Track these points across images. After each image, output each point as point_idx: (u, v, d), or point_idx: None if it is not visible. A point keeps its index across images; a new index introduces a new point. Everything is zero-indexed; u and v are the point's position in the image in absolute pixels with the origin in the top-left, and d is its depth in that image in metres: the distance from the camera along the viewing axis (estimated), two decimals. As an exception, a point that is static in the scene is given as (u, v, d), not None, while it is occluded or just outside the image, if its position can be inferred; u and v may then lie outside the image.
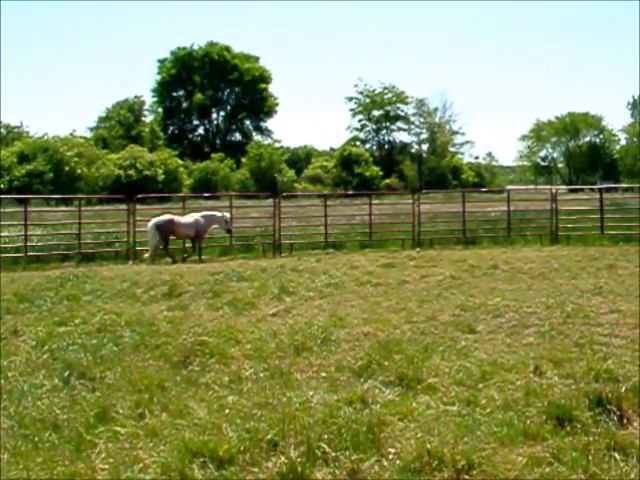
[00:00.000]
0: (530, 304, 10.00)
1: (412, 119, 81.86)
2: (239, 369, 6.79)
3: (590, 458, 4.50)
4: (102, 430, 5.15)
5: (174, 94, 79.85)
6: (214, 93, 79.98)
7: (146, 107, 75.37)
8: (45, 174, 49.36)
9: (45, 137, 57.76)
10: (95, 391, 6.15)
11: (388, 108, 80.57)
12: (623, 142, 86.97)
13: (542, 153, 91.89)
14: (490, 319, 9.06)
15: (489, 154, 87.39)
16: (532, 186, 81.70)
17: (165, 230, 17.82)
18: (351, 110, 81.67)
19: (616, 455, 4.54)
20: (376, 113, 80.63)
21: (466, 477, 4.33)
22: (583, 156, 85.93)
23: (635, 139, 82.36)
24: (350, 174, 67.44)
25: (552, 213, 22.16)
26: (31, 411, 5.60)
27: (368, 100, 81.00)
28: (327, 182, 67.05)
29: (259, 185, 59.79)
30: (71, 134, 60.25)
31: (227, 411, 5.51)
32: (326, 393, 5.94)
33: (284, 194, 26.73)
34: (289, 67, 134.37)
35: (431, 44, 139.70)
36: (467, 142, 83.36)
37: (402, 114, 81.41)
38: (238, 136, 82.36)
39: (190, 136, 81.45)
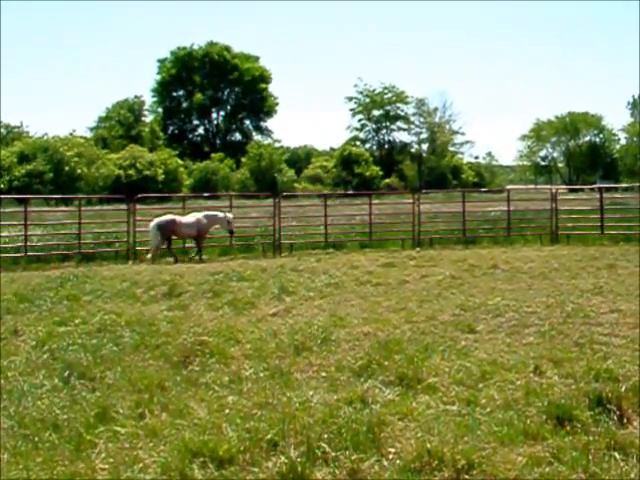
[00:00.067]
0: (530, 304, 10.00)
1: (412, 119, 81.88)
2: (239, 369, 6.79)
3: (590, 458, 4.50)
4: (102, 430, 5.16)
5: (174, 94, 79.80)
6: (214, 93, 79.92)
7: (146, 107, 75.50)
8: (45, 174, 49.33)
9: (45, 137, 57.74)
10: (95, 391, 6.15)
11: (388, 108, 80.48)
12: (623, 142, 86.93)
13: (542, 153, 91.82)
14: (490, 319, 9.06)
15: (489, 154, 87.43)
16: (532, 186, 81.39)
17: (167, 230, 17.84)
18: (351, 110, 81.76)
19: (616, 455, 4.55)
20: (376, 113, 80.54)
21: (466, 477, 4.33)
22: (583, 156, 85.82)
23: (635, 139, 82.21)
24: (350, 174, 67.39)
25: (552, 213, 22.18)
26: (31, 411, 5.60)
27: (368, 100, 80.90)
28: (327, 182, 66.97)
29: (259, 185, 59.73)
30: (71, 134, 60.27)
31: (227, 411, 5.52)
32: (326, 393, 5.94)
33: (284, 194, 26.71)
34: (289, 67, 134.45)
35: (431, 44, 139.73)
36: (467, 142, 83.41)
37: (402, 114, 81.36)
38: (238, 136, 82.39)
39: (190, 136, 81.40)
